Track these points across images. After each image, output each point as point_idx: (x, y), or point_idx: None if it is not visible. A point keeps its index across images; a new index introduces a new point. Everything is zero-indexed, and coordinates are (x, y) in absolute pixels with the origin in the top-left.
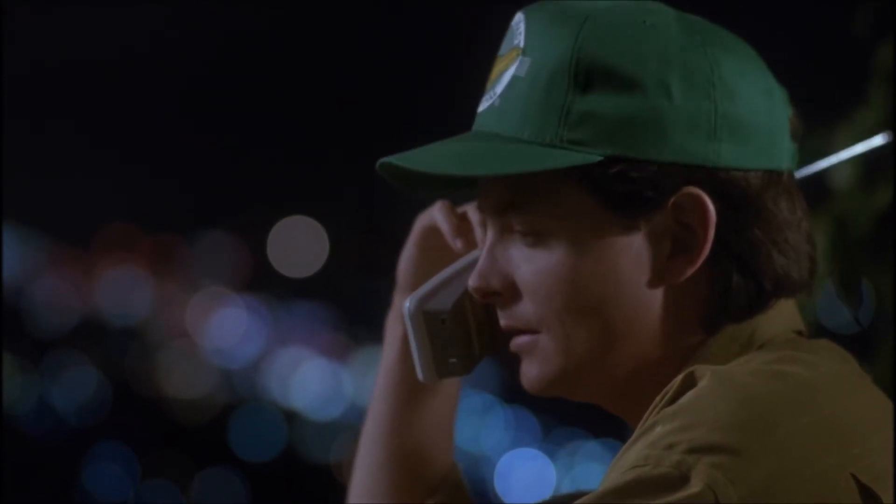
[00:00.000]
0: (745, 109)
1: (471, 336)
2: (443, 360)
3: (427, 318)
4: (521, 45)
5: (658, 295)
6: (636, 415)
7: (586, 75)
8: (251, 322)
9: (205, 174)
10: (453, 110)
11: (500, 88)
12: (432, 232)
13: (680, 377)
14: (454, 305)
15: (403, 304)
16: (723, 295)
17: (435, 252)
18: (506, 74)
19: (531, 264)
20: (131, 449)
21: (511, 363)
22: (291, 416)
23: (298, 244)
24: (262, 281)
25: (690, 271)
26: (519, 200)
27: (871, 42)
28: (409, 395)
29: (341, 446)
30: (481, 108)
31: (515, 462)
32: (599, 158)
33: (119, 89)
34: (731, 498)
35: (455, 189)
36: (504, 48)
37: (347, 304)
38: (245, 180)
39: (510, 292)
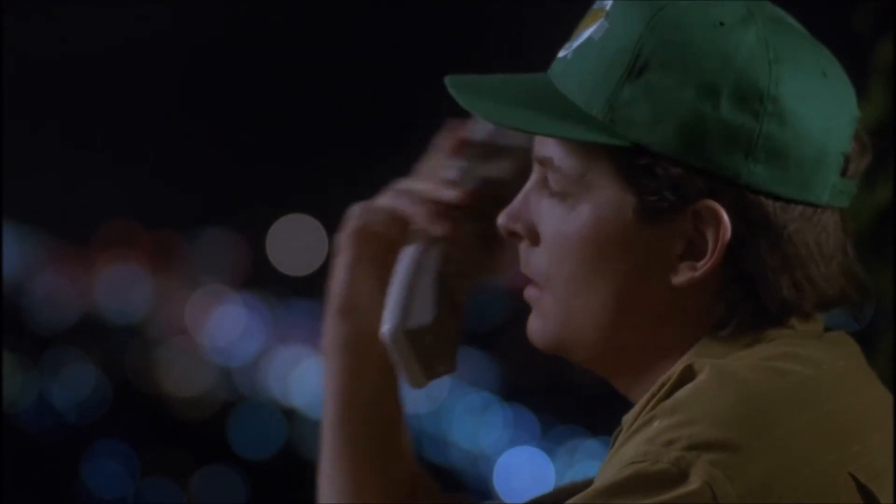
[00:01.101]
0: (792, 136)
1: (455, 336)
2: (431, 367)
3: (411, 338)
4: (607, 8)
5: (659, 290)
6: (633, 393)
7: (645, 61)
8: (251, 320)
9: (205, 172)
10: (453, 108)
11: (576, 43)
12: (366, 240)
13: (678, 369)
14: (435, 315)
15: (382, 332)
16: (727, 309)
17: (371, 263)
18: (587, 31)
19: (554, 223)
20: (131, 446)
21: (510, 361)
22: (291, 414)
23: (297, 242)
24: (261, 279)
25: (692, 279)
26: (556, 159)
27: (871, 39)
28: (359, 416)
29: None
30: (560, 53)
31: (514, 460)
32: (626, 145)
33: (119, 87)
34: (730, 495)
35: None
36: (596, 4)
37: None
38: (245, 178)
39: (532, 239)
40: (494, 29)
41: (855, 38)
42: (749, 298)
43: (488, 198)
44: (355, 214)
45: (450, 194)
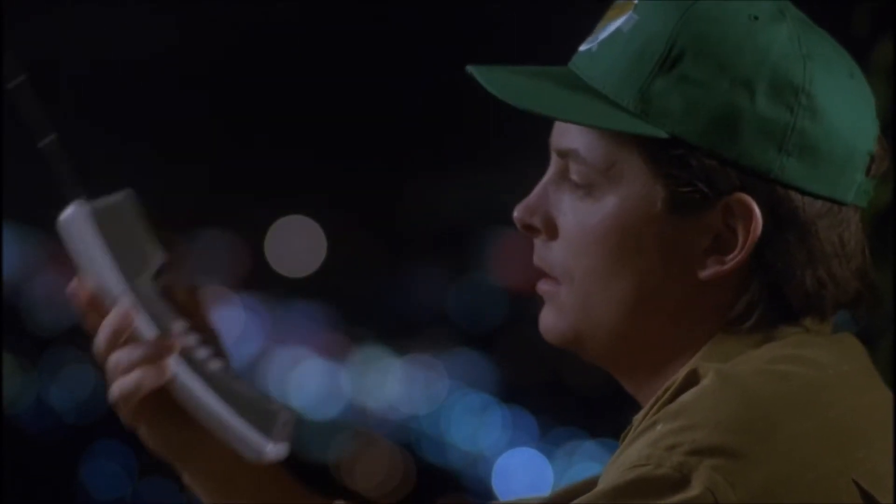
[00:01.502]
0: (824, 133)
1: (259, 393)
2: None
3: (273, 441)
4: (636, 1)
5: (683, 284)
6: (643, 392)
7: (680, 52)
8: (249, 321)
9: (203, 173)
10: (451, 111)
11: (602, 36)
12: (145, 409)
13: (683, 373)
14: (265, 405)
15: (252, 461)
16: (748, 304)
17: (163, 416)
18: (613, 24)
19: (576, 215)
20: (130, 446)
21: (508, 362)
22: None
23: (296, 244)
24: (259, 280)
25: (719, 273)
26: (581, 151)
27: (869, 40)
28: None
29: (339, 445)
30: (582, 48)
31: (513, 462)
32: (663, 136)
33: (117, 87)
34: (731, 501)
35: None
36: None
37: (345, 303)
38: (244, 180)
39: (549, 233)
40: (497, 33)
41: (851, 38)
42: (770, 294)
43: (177, 296)
44: (118, 405)
45: (152, 331)
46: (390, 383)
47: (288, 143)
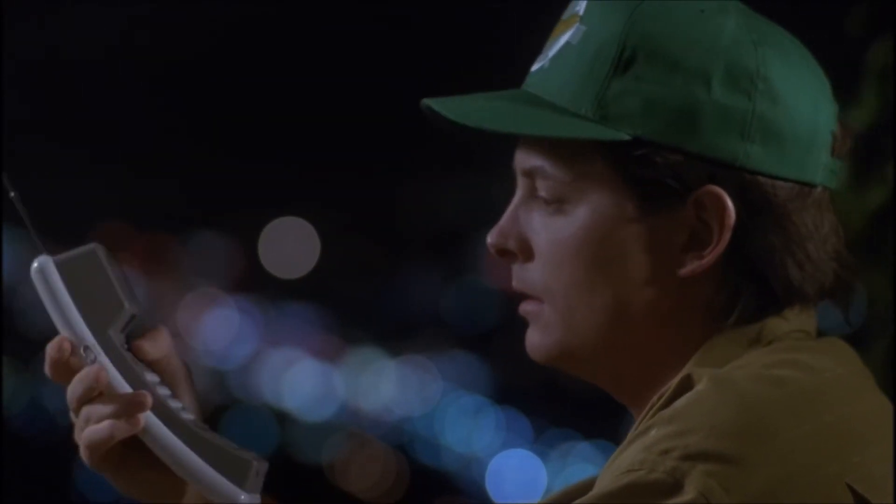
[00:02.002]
0: (784, 115)
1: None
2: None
3: (251, 479)
4: (581, 12)
5: (665, 284)
6: (636, 403)
7: (632, 53)
8: (243, 323)
9: (198, 175)
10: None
11: (552, 52)
12: (111, 459)
13: (677, 379)
14: (237, 454)
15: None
16: (731, 297)
17: (132, 462)
18: (561, 39)
19: (549, 232)
20: None
21: (502, 364)
22: (283, 417)
23: (290, 245)
24: (253, 282)
25: (699, 268)
26: (546, 166)
27: (865, 40)
28: None
29: (333, 447)
30: (533, 67)
31: (507, 463)
32: (626, 138)
33: (112, 88)
34: None
35: (486, 137)
36: (566, 13)
37: (339, 305)
38: (237, 181)
39: (525, 255)
40: (486, 32)
41: (845, 38)
42: (752, 283)
43: (146, 345)
44: (86, 451)
45: (125, 388)
46: (384, 385)
47: (281, 144)
